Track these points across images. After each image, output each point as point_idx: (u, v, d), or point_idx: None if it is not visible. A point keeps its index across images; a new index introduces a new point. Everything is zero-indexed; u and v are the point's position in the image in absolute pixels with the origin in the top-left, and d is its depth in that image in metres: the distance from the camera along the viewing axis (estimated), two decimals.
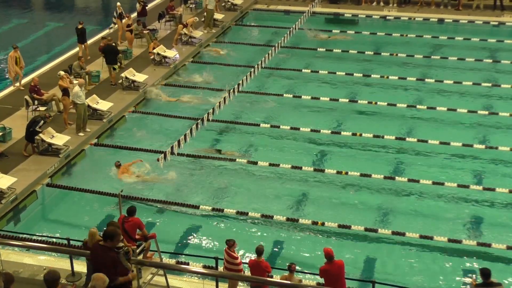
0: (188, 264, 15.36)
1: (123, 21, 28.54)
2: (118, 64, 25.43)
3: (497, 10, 32.44)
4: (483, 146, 20.94)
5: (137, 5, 29.90)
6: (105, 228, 11.43)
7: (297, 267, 13.54)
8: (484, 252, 16.33)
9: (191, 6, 33.57)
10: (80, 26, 26.74)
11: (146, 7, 30.25)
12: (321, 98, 24.20)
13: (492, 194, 18.50)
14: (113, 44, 25.54)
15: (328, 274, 12.78)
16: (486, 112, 23.14)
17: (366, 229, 17.07)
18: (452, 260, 16.21)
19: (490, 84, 25.32)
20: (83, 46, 27.11)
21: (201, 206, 18.17)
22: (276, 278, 14.35)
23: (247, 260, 14.24)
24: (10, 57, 24.20)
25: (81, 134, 21.26)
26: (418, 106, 23.63)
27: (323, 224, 17.33)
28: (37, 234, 16.61)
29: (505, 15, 32.04)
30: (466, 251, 16.42)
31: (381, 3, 34.02)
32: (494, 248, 16.32)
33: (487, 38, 29.83)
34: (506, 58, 27.64)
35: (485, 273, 12.11)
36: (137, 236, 13.82)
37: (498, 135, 21.78)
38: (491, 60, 27.67)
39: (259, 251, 13.23)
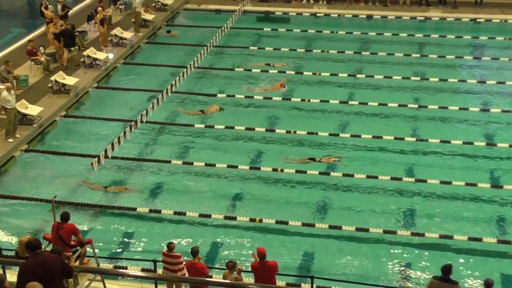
0: (126, 268, 15.19)
1: (50, 26, 27.76)
2: (76, 47, 26.42)
3: (423, 6, 33.25)
4: (414, 139, 21.42)
5: (59, 6, 28.99)
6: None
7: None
8: (418, 242, 16.72)
9: (120, 7, 33.13)
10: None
11: (68, 12, 29.57)
12: (254, 97, 24.30)
13: (423, 185, 18.95)
14: (70, 27, 27.00)
15: (258, 271, 12.97)
16: (416, 106, 23.68)
17: (303, 224, 17.24)
18: (388, 250, 16.52)
19: (418, 78, 25.92)
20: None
21: (138, 208, 17.99)
22: (216, 277, 14.38)
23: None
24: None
25: (10, 140, 20.72)
26: (350, 102, 23.98)
27: (261, 221, 17.41)
28: None
29: (431, 10, 32.86)
30: (401, 241, 16.77)
31: (311, 1, 34.37)
32: (428, 237, 16.73)
33: (414, 33, 30.54)
34: (433, 52, 28.33)
35: (445, 268, 12.31)
36: (72, 242, 13.58)
37: (428, 128, 22.31)
38: (419, 55, 28.32)
39: (194, 252, 13.21)
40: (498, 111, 23.07)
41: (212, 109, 23.55)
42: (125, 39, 29.00)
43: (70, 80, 24.51)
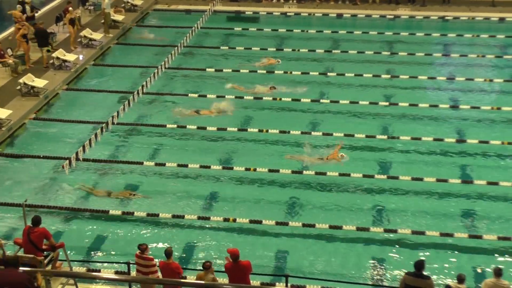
0: (99, 271, 15.06)
1: (20, 30, 27.38)
2: (50, 46, 26.44)
3: (392, 4, 33.52)
4: (386, 137, 21.55)
5: (27, 7, 28.73)
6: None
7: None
8: (391, 238, 16.83)
9: (89, 8, 32.85)
10: None
11: (36, 13, 29.38)
12: (226, 96, 24.26)
13: (395, 182, 19.08)
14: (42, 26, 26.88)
15: (231, 272, 12.97)
16: (387, 103, 23.84)
17: (277, 223, 17.25)
18: (362, 247, 16.62)
19: (389, 76, 26.10)
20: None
21: (110, 211, 17.85)
22: (191, 277, 14.34)
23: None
24: None
25: None
26: (321, 100, 24.07)
27: (234, 220, 17.40)
28: None
29: (400, 9, 33.15)
30: (374, 238, 16.87)
31: (281, 0, 34.44)
32: (401, 233, 16.86)
33: (384, 31, 30.76)
34: (403, 49, 28.58)
35: (417, 264, 12.47)
36: (44, 246, 13.42)
37: (399, 125, 22.48)
38: (389, 53, 28.54)
39: (168, 253, 13.21)
40: (467, 108, 23.35)
41: (207, 112, 23.41)
42: (94, 40, 28.77)
43: (39, 82, 24.24)
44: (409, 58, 27.77)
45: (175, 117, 23.11)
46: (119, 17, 31.17)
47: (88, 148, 19.84)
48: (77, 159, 19.37)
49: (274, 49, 28.91)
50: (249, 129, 22.09)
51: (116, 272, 14.95)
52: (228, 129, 21.96)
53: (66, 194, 18.90)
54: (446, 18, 32.24)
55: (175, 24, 32.02)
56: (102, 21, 30.21)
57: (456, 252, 16.39)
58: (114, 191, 18.92)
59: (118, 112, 21.59)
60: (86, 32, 28.70)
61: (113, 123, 21.34)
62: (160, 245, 16.31)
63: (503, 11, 32.23)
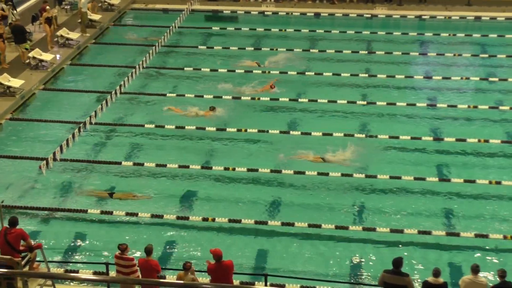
0: (77, 272, 14.97)
1: None
2: (29, 42, 26.38)
3: (369, 3, 33.70)
4: (363, 135, 21.66)
5: (4, 6, 28.47)
6: None
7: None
8: (370, 237, 16.92)
9: (66, 7, 32.61)
10: None
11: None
12: (204, 96, 24.22)
13: (374, 180, 19.17)
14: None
15: (214, 272, 12.95)
16: (365, 102, 23.95)
17: (256, 222, 17.27)
18: (340, 246, 16.69)
19: (366, 75, 26.23)
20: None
21: (88, 210, 17.75)
22: (170, 277, 14.32)
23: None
24: None
25: None
26: (299, 99, 24.13)
27: (213, 220, 17.39)
28: None
29: (377, 8, 33.33)
30: (353, 236, 16.94)
31: None
32: (379, 231, 16.95)
33: (362, 30, 30.89)
34: (380, 49, 28.73)
35: (395, 262, 12.59)
36: (21, 247, 13.33)
37: (376, 124, 22.59)
38: (366, 52, 28.68)
39: (148, 251, 13.19)
40: (444, 106, 23.53)
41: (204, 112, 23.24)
42: (71, 39, 28.57)
43: (15, 82, 24.02)
44: (387, 57, 27.93)
45: (168, 113, 22.98)
46: (96, 17, 30.98)
47: (66, 148, 19.72)
48: (55, 159, 19.24)
49: (252, 48, 28.91)
50: (227, 129, 22.07)
51: (95, 273, 14.87)
52: (207, 128, 21.91)
53: (43, 194, 18.76)
54: (423, 17, 32.46)
55: (152, 23, 31.89)
56: (79, 20, 30.01)
57: (434, 249, 16.51)
58: (117, 192, 18.80)
59: (95, 112, 21.47)
60: (63, 31, 28.48)
61: (90, 123, 21.23)
62: (139, 244, 16.21)
63: (478, 10, 32.55)
